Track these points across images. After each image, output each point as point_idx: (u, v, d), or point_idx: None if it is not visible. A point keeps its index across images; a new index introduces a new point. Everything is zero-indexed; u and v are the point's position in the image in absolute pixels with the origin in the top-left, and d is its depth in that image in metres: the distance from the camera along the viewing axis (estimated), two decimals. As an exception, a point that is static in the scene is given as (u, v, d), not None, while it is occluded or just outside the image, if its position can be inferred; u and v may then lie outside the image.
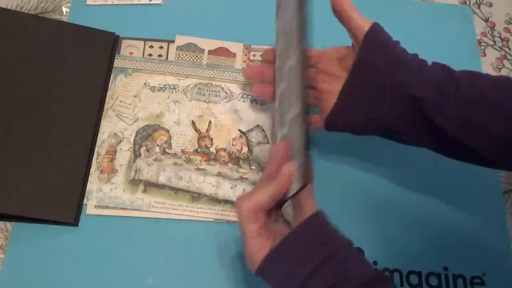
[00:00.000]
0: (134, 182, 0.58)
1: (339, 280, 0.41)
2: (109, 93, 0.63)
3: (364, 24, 0.50)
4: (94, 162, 0.59)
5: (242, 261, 0.55)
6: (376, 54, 0.49)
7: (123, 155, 0.60)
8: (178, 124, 0.62)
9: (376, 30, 0.50)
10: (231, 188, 0.59)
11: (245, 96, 0.64)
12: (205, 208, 0.57)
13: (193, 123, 0.62)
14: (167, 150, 0.60)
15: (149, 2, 0.70)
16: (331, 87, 0.53)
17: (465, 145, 0.47)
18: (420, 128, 0.49)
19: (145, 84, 0.64)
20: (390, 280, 0.43)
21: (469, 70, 0.50)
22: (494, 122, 0.46)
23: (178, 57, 0.66)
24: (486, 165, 0.50)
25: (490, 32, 0.73)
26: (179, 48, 0.66)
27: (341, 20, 0.52)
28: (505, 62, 0.71)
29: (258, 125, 0.62)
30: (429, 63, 0.50)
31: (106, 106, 0.62)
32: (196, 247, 0.56)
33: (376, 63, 0.49)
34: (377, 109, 0.50)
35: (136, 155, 0.60)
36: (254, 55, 0.66)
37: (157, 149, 0.60)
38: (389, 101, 0.49)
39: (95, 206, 0.57)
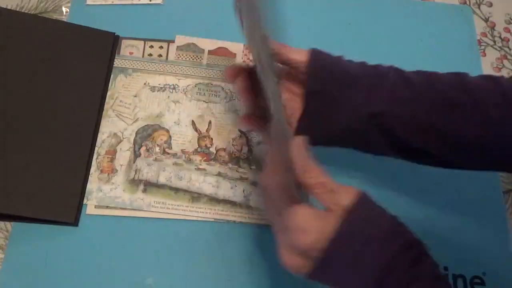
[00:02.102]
0: (134, 182, 0.58)
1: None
2: (109, 93, 0.63)
3: (302, 58, 0.49)
4: (94, 162, 0.59)
5: (242, 261, 0.55)
6: (323, 82, 0.48)
7: (123, 155, 0.60)
8: (178, 124, 0.62)
9: (315, 59, 0.49)
10: (231, 188, 0.59)
11: (245, 96, 0.64)
12: (205, 208, 0.57)
13: (193, 123, 0.62)
14: (167, 150, 0.60)
15: (149, 2, 0.70)
16: (292, 104, 0.51)
17: (426, 150, 0.47)
18: (382, 140, 0.48)
19: (145, 84, 0.64)
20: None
21: (419, 70, 0.49)
22: (454, 121, 0.46)
23: (178, 57, 0.66)
24: (449, 167, 0.50)
25: (490, 32, 0.73)
26: (179, 48, 0.66)
27: (282, 63, 0.50)
28: (505, 62, 0.71)
29: (258, 125, 0.62)
30: (382, 66, 0.50)
31: (106, 106, 0.62)
32: (196, 247, 0.56)
33: (325, 91, 0.48)
34: (336, 129, 0.49)
35: (136, 155, 0.60)
36: (254, 55, 0.66)
37: (157, 149, 0.60)
38: (346, 121, 0.48)
39: (95, 206, 0.57)
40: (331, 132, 0.49)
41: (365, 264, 0.37)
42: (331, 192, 0.39)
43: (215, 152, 0.61)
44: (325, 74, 0.49)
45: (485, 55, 0.71)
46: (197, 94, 0.64)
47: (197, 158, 0.60)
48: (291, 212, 0.39)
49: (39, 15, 0.68)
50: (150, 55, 0.66)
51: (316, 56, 0.49)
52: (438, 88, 0.47)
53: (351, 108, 0.48)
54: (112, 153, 0.60)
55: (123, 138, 0.61)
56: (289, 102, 0.51)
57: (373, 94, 0.48)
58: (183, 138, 0.61)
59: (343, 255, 0.37)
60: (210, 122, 0.62)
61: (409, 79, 0.48)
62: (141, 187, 0.58)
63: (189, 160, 0.60)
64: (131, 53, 0.66)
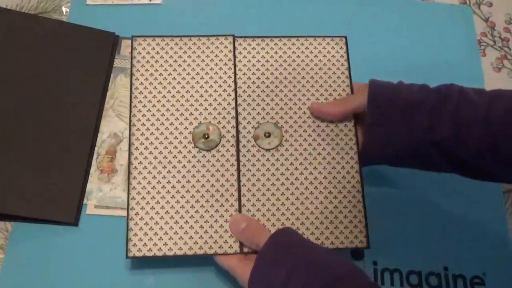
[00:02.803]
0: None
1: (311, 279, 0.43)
2: (109, 93, 0.63)
3: (361, 99, 0.52)
4: (94, 162, 0.59)
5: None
6: (383, 111, 0.51)
7: (123, 155, 0.60)
8: (178, 124, 0.62)
9: (374, 92, 0.52)
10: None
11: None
12: (205, 208, 0.57)
13: (193, 123, 0.62)
14: (167, 150, 0.60)
15: (149, 2, 0.70)
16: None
17: (487, 170, 0.50)
18: (443, 161, 0.51)
19: (145, 84, 0.64)
20: (361, 272, 0.44)
21: (481, 90, 0.51)
22: None
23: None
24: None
25: (490, 32, 0.73)
26: (179, 48, 0.66)
27: (344, 116, 0.55)
28: (505, 62, 0.71)
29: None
30: (444, 87, 0.51)
31: (106, 106, 0.62)
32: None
33: (387, 119, 0.51)
34: (397, 154, 0.52)
35: (136, 155, 0.60)
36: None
37: (157, 149, 0.60)
38: (409, 146, 0.51)
39: (95, 206, 0.57)
40: (392, 156, 0.53)
41: None
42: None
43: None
44: (385, 103, 0.51)
45: (485, 55, 0.71)
46: (197, 94, 0.64)
47: (197, 158, 0.60)
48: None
49: (39, 15, 0.68)
50: (150, 55, 0.66)
51: (375, 89, 0.52)
52: (500, 107, 0.48)
53: (413, 135, 0.50)
54: (112, 153, 0.60)
55: (123, 138, 0.61)
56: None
57: (435, 120, 0.49)
58: (183, 138, 0.61)
59: None
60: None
61: (472, 102, 0.49)
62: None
63: (189, 160, 0.60)
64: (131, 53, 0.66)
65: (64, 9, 0.70)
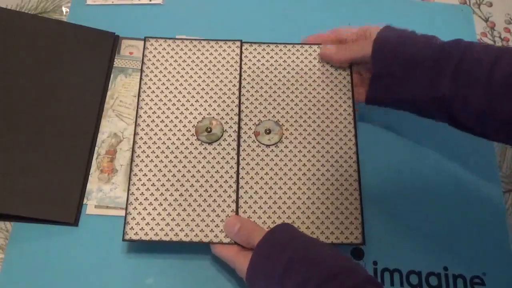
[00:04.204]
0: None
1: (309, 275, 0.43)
2: (109, 93, 0.63)
3: (365, 50, 0.55)
4: (94, 162, 0.59)
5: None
6: (386, 64, 0.54)
7: (123, 155, 0.60)
8: (178, 124, 0.62)
9: (380, 43, 0.54)
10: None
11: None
12: (205, 208, 0.58)
13: (193, 123, 0.62)
14: (167, 150, 0.60)
15: (149, 2, 0.70)
16: (360, 89, 0.60)
17: (482, 131, 0.52)
18: (442, 116, 0.54)
19: (145, 84, 0.64)
20: (360, 270, 0.44)
21: (488, 45, 0.52)
22: None
23: (178, 57, 0.66)
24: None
25: (490, 32, 0.73)
26: (179, 48, 0.66)
27: (347, 64, 0.60)
28: (505, 62, 0.71)
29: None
30: (450, 43, 0.53)
31: (106, 106, 0.62)
32: (196, 246, 0.55)
33: (390, 72, 0.53)
34: (399, 103, 0.56)
35: (136, 155, 0.60)
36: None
37: (157, 149, 0.60)
38: (410, 99, 0.54)
39: (95, 206, 0.57)
40: (393, 105, 0.57)
41: None
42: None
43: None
44: (389, 56, 0.53)
45: (485, 55, 0.71)
46: (197, 94, 0.64)
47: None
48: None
49: (39, 15, 0.68)
50: (150, 55, 0.66)
51: (381, 40, 0.54)
52: (503, 68, 0.48)
53: (415, 90, 0.53)
54: (112, 153, 0.60)
55: (123, 138, 0.61)
56: (358, 85, 0.59)
57: (435, 78, 0.51)
58: (183, 138, 0.61)
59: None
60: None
61: (476, 60, 0.50)
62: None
63: (189, 160, 0.60)
64: (131, 53, 0.66)
65: (64, 9, 0.70)
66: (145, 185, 0.53)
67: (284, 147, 0.56)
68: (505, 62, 0.48)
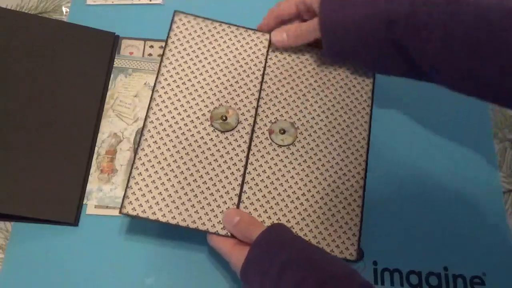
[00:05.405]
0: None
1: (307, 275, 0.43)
2: (109, 93, 0.63)
3: (315, 30, 0.55)
4: (94, 162, 0.59)
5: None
6: (341, 44, 0.54)
7: (123, 155, 0.60)
8: (178, 124, 0.62)
9: (328, 27, 0.53)
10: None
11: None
12: (205, 208, 0.57)
13: (193, 123, 0.62)
14: (167, 150, 0.60)
15: (149, 2, 0.70)
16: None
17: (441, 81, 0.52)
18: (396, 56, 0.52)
19: (145, 84, 0.64)
20: (358, 275, 0.44)
21: None
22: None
23: (178, 57, 0.66)
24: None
25: None
26: (179, 48, 0.66)
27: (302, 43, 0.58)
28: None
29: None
30: None
31: (106, 106, 0.62)
32: (196, 246, 0.56)
33: (345, 47, 0.55)
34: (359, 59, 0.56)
35: (136, 155, 0.60)
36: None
37: (157, 149, 0.60)
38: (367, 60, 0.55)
39: (95, 206, 0.57)
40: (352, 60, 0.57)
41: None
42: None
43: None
44: (341, 37, 0.53)
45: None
46: (197, 94, 0.64)
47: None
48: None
49: (39, 15, 0.68)
50: (150, 55, 0.66)
51: (328, 22, 0.53)
52: (462, 19, 0.48)
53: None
54: (112, 153, 0.60)
55: (123, 138, 0.61)
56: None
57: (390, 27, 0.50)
58: (183, 138, 0.61)
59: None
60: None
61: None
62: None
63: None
64: (131, 53, 0.66)
65: (64, 9, 0.70)
66: (150, 161, 0.52)
67: (296, 150, 0.55)
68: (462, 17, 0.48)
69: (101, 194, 0.58)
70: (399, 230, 0.58)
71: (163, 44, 0.66)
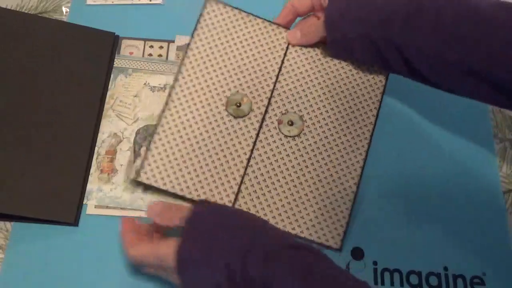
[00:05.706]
0: (134, 182, 0.58)
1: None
2: (109, 93, 0.63)
3: (321, 33, 0.58)
4: (94, 162, 0.59)
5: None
6: (345, 39, 0.57)
7: (123, 155, 0.60)
8: (178, 124, 0.62)
9: (331, 29, 0.57)
10: (231, 188, 0.59)
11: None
12: (205, 208, 0.58)
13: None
14: (167, 150, 0.60)
15: (149, 2, 0.70)
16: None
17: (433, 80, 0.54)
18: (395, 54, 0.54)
19: (145, 84, 0.64)
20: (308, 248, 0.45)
21: None
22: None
23: (178, 57, 0.66)
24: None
25: None
26: (179, 48, 0.66)
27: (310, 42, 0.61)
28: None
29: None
30: None
31: (106, 106, 0.62)
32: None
33: (347, 42, 0.57)
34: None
35: (136, 155, 0.60)
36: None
37: (157, 149, 0.60)
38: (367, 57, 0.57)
39: (95, 206, 0.57)
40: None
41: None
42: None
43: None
44: (344, 31, 0.56)
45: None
46: (197, 94, 0.64)
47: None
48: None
49: (39, 15, 0.68)
50: (150, 55, 0.66)
51: (332, 21, 0.56)
52: (447, 18, 0.50)
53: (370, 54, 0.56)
54: (112, 153, 0.60)
55: (123, 138, 0.61)
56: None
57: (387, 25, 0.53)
58: (183, 138, 0.61)
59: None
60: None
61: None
62: (141, 187, 0.58)
63: (189, 160, 0.60)
64: (131, 53, 0.66)
65: (64, 9, 0.70)
66: (167, 137, 0.56)
67: (300, 142, 0.58)
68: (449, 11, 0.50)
69: (101, 194, 0.58)
70: (399, 230, 0.58)
71: (163, 44, 0.66)
